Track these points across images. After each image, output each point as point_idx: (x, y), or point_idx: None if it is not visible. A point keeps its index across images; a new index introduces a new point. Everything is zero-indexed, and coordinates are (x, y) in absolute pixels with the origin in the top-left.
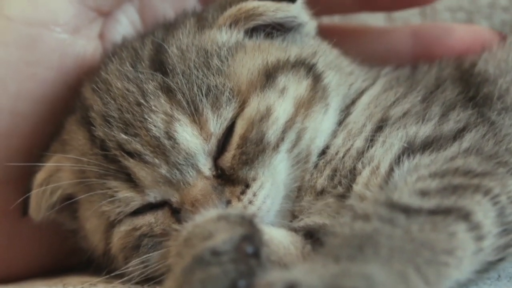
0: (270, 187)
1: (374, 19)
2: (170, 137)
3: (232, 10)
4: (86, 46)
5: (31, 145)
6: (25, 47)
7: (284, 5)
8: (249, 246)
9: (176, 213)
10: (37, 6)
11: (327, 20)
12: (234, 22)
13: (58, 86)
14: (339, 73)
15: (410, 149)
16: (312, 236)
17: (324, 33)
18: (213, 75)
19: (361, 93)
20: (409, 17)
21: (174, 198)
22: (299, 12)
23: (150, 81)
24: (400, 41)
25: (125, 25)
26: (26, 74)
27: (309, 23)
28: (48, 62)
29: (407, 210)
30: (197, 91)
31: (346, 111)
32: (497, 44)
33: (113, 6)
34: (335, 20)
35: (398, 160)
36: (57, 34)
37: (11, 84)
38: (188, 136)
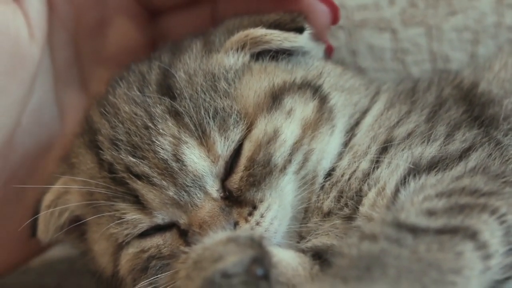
0: (277, 208)
1: (380, 40)
2: (177, 159)
3: (240, 36)
4: (5, 12)
5: None
6: None
7: (291, 36)
8: (259, 268)
9: (184, 234)
10: None
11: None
12: (241, 47)
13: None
14: (344, 93)
15: (416, 170)
16: (320, 257)
17: None
18: (220, 98)
19: (364, 113)
20: (414, 37)
21: (182, 220)
22: (306, 42)
23: (158, 105)
24: None
25: None
26: None
27: (316, 49)
28: None
29: (414, 230)
30: (205, 114)
31: (351, 132)
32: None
33: None
34: (341, 36)
35: (404, 181)
36: None
37: None
38: (195, 158)
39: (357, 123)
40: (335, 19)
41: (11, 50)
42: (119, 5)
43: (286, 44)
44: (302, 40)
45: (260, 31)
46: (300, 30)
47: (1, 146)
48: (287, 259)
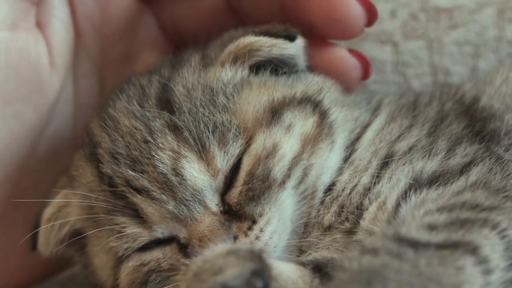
0: (276, 223)
1: (381, 53)
2: (177, 173)
3: (231, 47)
4: (27, 38)
5: None
6: None
7: (280, 42)
8: (259, 281)
9: (184, 248)
10: None
11: None
12: (235, 59)
13: (11, 84)
14: (344, 109)
15: (416, 184)
16: (321, 270)
17: None
18: (219, 112)
19: (365, 128)
20: (415, 50)
21: (182, 234)
22: (298, 52)
23: (157, 119)
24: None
25: (59, 6)
26: None
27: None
28: None
29: (415, 245)
30: (204, 128)
31: (351, 147)
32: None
33: None
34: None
35: (405, 195)
36: None
37: None
38: (195, 172)
39: (357, 138)
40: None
41: (29, 77)
42: (147, 38)
43: (275, 51)
44: (292, 48)
45: (249, 39)
46: (291, 38)
47: (14, 171)
48: (287, 272)
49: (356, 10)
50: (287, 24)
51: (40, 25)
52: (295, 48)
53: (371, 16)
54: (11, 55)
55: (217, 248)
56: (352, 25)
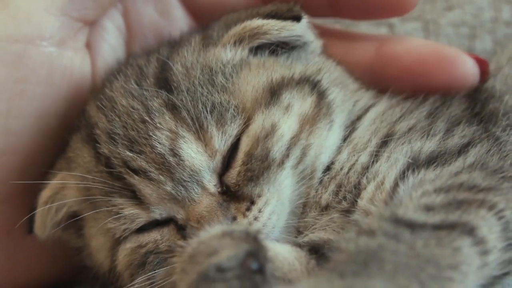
0: (275, 203)
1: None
2: (175, 154)
3: (236, 29)
4: (73, 57)
5: (25, 161)
6: (12, 64)
7: (288, 24)
8: (254, 262)
9: (182, 229)
10: (21, 22)
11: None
12: (239, 41)
13: (48, 100)
14: (344, 90)
15: (415, 164)
16: (317, 252)
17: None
18: (218, 92)
19: (367, 109)
20: (412, 32)
21: (180, 215)
22: (304, 31)
23: (155, 99)
24: (363, 50)
25: (111, 31)
26: (15, 92)
27: (315, 42)
28: (37, 77)
29: (412, 226)
30: (202, 108)
31: (351, 126)
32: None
33: (98, 14)
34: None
35: (403, 175)
36: (43, 48)
37: (1, 103)
38: (193, 153)
39: (358, 118)
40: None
41: (68, 96)
42: None
43: (284, 33)
44: (299, 29)
45: (257, 22)
46: (297, 18)
47: None
48: (283, 253)
49: None
50: (290, 3)
51: (89, 46)
52: (302, 28)
53: None
54: (54, 71)
55: (212, 230)
56: None
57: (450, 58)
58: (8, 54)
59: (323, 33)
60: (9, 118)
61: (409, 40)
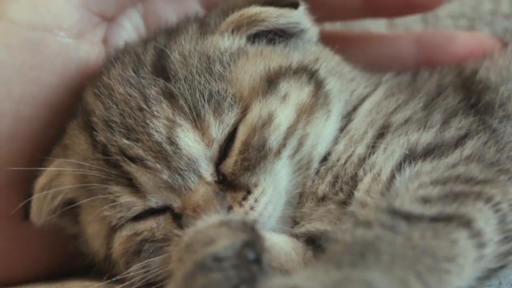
0: (271, 193)
1: (376, 26)
2: (172, 142)
3: (234, 16)
4: (89, 51)
5: (34, 148)
6: (29, 51)
7: (286, 11)
8: (251, 252)
9: (178, 218)
10: (41, 10)
11: (329, 26)
12: (237, 28)
13: (61, 91)
14: (341, 79)
15: (411, 156)
16: (314, 242)
17: (327, 39)
18: (215, 81)
19: (362, 100)
20: (410, 23)
21: (176, 204)
22: (301, 18)
23: (152, 87)
24: (403, 48)
25: (129, 30)
26: (29, 78)
27: (311, 29)
28: (52, 66)
29: (408, 217)
30: (199, 96)
31: (347, 117)
32: (499, 51)
33: (117, 11)
34: (336, 26)
35: (399, 167)
36: (60, 38)
37: (15, 88)
38: (190, 141)
39: (354, 109)
40: None
41: (83, 88)
42: None
43: (282, 21)
44: (297, 16)
45: (254, 9)
46: (294, 5)
47: None
48: (280, 243)
49: None
50: None
51: (106, 42)
52: (299, 15)
53: None
54: (69, 62)
55: (209, 219)
56: None
57: None
58: (26, 40)
59: (352, 39)
60: (21, 103)
61: None
